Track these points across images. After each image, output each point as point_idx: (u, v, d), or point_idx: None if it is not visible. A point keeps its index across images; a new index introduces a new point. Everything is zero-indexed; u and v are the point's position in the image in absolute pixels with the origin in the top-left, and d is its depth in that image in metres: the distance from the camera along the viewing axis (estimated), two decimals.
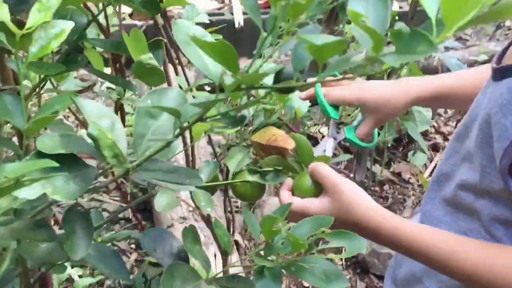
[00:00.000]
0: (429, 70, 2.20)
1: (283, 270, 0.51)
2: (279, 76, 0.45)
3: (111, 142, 0.44)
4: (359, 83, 0.78)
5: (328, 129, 0.80)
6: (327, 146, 0.78)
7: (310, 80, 0.75)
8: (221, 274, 0.54)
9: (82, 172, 0.42)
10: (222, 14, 3.21)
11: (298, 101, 0.83)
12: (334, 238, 0.53)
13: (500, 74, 0.59)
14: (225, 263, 0.87)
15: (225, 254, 0.86)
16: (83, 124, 1.06)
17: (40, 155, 0.40)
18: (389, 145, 2.06)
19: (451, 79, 0.79)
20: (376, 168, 2.15)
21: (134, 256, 1.64)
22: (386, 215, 0.63)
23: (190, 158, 0.73)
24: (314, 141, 2.13)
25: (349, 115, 1.40)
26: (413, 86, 0.77)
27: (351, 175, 1.90)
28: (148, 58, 0.54)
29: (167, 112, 0.46)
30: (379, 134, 0.84)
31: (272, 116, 0.78)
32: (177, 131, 0.46)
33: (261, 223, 0.52)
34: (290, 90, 0.42)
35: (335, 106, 0.78)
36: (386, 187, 2.11)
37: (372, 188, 2.08)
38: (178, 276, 0.47)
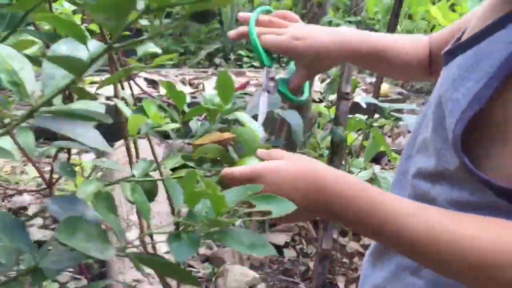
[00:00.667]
0: None
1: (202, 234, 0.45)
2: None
3: (11, 68, 0.41)
4: (295, 28, 0.73)
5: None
6: (260, 102, 0.70)
7: (243, 14, 0.73)
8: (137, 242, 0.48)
9: None
10: (195, 97, 3.39)
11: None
12: (260, 201, 0.48)
13: (450, 56, 0.59)
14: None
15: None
16: None
17: None
18: None
19: (388, 38, 0.78)
20: (344, 240, 2.08)
21: None
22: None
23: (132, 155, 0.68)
24: None
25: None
26: (351, 38, 0.74)
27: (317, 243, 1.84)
28: None
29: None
30: (310, 86, 0.79)
31: (217, 121, 0.75)
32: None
33: (184, 187, 0.47)
34: (210, 14, 0.40)
35: (269, 53, 0.72)
36: (355, 259, 2.03)
37: (341, 260, 2.00)
38: (80, 231, 0.41)
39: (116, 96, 0.87)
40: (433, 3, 4.39)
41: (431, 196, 0.59)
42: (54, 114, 0.43)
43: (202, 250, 1.96)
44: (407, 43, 0.78)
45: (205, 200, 0.48)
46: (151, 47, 0.87)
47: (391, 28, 2.16)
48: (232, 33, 0.75)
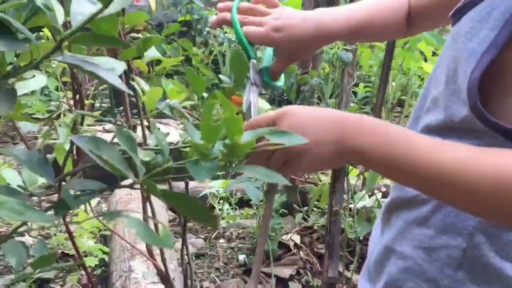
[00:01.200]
0: None
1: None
2: None
3: None
4: (275, 18, 0.74)
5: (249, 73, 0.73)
6: (252, 98, 0.71)
7: (223, 5, 0.75)
8: None
9: None
10: None
11: None
12: (274, 136, 0.50)
13: (458, 14, 0.62)
14: None
15: None
16: None
17: None
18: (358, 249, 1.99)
19: (368, 13, 0.79)
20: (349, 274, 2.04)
21: None
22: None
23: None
24: None
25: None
26: (330, 27, 0.75)
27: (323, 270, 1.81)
28: None
29: None
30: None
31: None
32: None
33: (201, 126, 0.50)
34: None
35: (251, 44, 0.73)
36: None
37: None
38: (104, 152, 0.43)
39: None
40: (425, 60, 4.55)
41: None
42: (80, 42, 0.46)
43: (206, 283, 1.93)
44: (389, 10, 0.80)
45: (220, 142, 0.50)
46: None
47: (383, 83, 2.23)
48: (213, 21, 0.77)
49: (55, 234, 2.12)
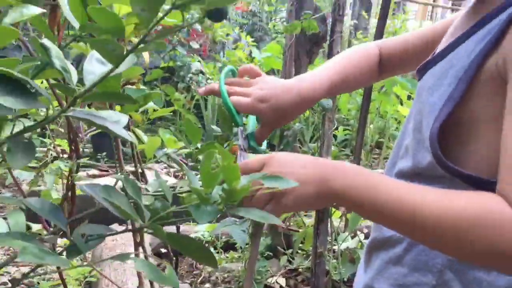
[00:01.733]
0: None
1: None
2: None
3: (61, 54, 0.50)
4: (259, 89, 0.78)
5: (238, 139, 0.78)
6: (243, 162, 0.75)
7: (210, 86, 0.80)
8: None
9: None
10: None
11: None
12: (268, 180, 0.55)
13: (423, 70, 0.70)
14: None
15: None
16: None
17: None
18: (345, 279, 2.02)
19: (345, 71, 0.85)
20: None
21: None
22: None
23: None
24: None
25: None
26: (306, 93, 0.79)
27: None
28: None
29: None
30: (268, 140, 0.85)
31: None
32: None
33: (200, 173, 0.54)
34: (223, 13, 0.50)
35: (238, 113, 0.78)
36: None
37: None
38: (113, 198, 0.47)
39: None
40: (401, 103, 4.71)
41: None
42: (92, 99, 0.51)
43: None
44: (363, 65, 0.88)
45: (219, 187, 0.55)
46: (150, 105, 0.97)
47: (362, 126, 2.32)
48: (201, 90, 0.82)
49: (38, 283, 2.10)
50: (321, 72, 0.84)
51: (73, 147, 1.14)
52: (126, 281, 1.84)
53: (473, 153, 0.61)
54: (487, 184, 0.57)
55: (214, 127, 0.85)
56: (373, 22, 7.22)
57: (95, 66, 0.54)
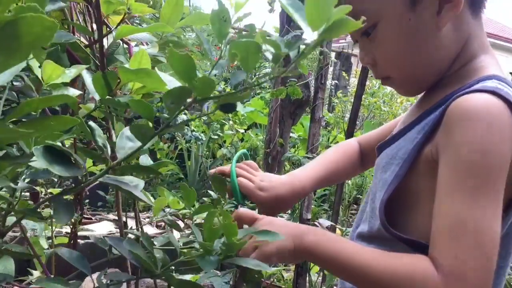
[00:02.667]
0: None
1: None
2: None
3: (101, 133, 0.63)
4: (261, 179, 0.90)
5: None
6: None
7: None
8: None
9: None
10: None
11: None
12: (260, 235, 0.68)
13: (380, 149, 0.85)
14: None
15: None
16: None
17: None
18: None
19: (331, 166, 1.00)
20: None
21: None
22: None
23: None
24: None
25: None
26: (298, 186, 0.92)
27: None
28: None
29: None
30: None
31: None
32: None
33: (204, 229, 0.66)
34: (233, 106, 0.64)
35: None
36: None
37: None
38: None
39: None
40: None
41: None
42: (124, 170, 0.64)
43: None
44: (345, 160, 1.04)
45: (219, 240, 0.67)
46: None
47: (340, 183, 2.47)
48: (212, 171, 0.93)
49: None
50: (310, 170, 0.98)
51: (77, 200, 1.25)
52: None
53: (415, 221, 0.75)
54: (426, 248, 0.70)
55: (212, 193, 0.97)
56: (353, 81, 7.56)
57: (125, 142, 0.67)
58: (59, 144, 0.62)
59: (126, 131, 0.67)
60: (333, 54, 7.99)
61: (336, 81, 6.85)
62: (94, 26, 0.96)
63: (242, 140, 5.06)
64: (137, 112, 0.62)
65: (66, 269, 0.77)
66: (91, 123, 0.63)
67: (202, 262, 0.62)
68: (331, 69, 9.04)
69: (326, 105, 7.16)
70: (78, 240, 2.15)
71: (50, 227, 1.95)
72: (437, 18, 0.74)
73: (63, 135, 0.66)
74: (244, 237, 0.68)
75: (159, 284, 2.10)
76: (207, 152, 5.47)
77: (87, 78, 0.76)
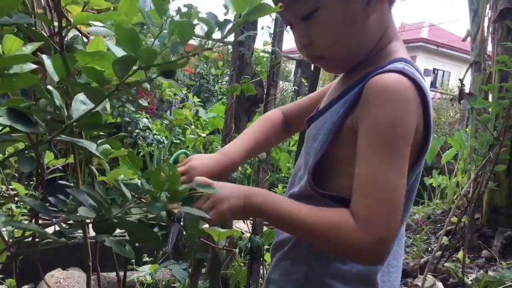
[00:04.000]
0: None
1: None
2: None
3: (59, 96, 0.73)
4: (192, 165, 0.97)
5: None
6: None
7: None
8: None
9: None
10: None
11: None
12: (201, 187, 0.79)
13: (310, 121, 0.98)
14: None
15: None
16: None
17: None
18: None
19: (255, 136, 1.11)
20: None
21: None
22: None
23: None
24: None
25: None
26: (229, 158, 1.02)
27: None
28: None
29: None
30: None
31: None
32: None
33: (152, 181, 0.77)
34: (173, 73, 0.75)
35: None
36: None
37: None
38: None
39: None
40: None
41: None
42: (79, 128, 0.74)
43: None
44: (270, 130, 1.15)
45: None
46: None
47: None
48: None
49: None
50: (239, 145, 1.08)
51: (39, 181, 1.33)
52: None
53: (337, 182, 0.89)
54: (346, 201, 0.84)
55: None
56: None
57: (80, 105, 0.77)
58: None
59: (81, 95, 0.78)
60: (294, 62, 8.21)
61: (297, 87, 7.04)
62: (56, 22, 1.06)
63: (205, 146, 5.15)
64: (90, 78, 0.72)
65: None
66: (49, 87, 0.73)
67: (150, 207, 0.72)
68: (292, 76, 9.25)
69: None
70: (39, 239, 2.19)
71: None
72: (368, 8, 0.88)
73: (24, 101, 0.76)
74: (200, 200, 0.79)
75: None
76: (169, 156, 5.52)
77: (47, 61, 0.86)
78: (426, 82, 0.87)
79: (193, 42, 0.80)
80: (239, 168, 2.74)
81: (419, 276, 3.18)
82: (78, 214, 0.69)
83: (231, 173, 1.08)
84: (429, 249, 4.08)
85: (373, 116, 0.81)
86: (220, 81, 7.27)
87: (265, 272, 2.19)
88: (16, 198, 2.18)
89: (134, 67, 0.73)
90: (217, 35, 0.77)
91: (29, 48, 0.80)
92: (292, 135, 1.19)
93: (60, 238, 0.71)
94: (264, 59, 6.54)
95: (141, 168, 1.05)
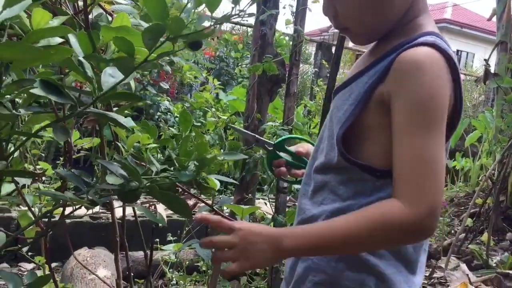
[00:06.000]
0: None
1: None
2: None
3: (90, 68, 0.73)
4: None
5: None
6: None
7: None
8: None
9: None
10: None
11: None
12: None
13: (335, 93, 0.97)
14: None
15: None
16: None
17: None
18: None
19: None
20: None
21: None
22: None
23: None
24: None
25: None
26: None
27: None
28: None
29: None
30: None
31: None
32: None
33: (179, 150, 0.77)
34: (200, 44, 0.75)
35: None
36: None
37: None
38: None
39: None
40: None
41: (325, 181, 0.93)
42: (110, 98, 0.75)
43: None
44: None
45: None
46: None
47: None
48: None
49: None
50: None
51: (67, 158, 1.35)
52: None
53: (369, 150, 0.88)
54: (376, 171, 0.84)
55: None
56: None
57: (108, 78, 0.78)
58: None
59: (109, 69, 0.78)
60: (315, 45, 8.14)
61: (317, 70, 6.98)
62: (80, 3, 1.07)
63: (226, 129, 5.16)
64: (120, 49, 0.73)
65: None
66: (80, 58, 0.73)
67: (179, 174, 0.73)
68: (312, 59, 9.18)
69: (308, 94, 7.32)
70: (66, 220, 2.22)
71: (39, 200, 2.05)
72: None
73: (54, 73, 0.77)
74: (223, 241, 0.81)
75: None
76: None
77: (72, 38, 0.87)
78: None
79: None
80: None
81: (442, 257, 3.16)
82: (107, 182, 0.71)
83: None
84: (452, 231, 4.05)
85: (409, 91, 0.81)
86: (240, 64, 7.25)
87: None
88: (43, 178, 2.23)
89: (162, 39, 0.73)
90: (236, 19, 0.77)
91: (56, 22, 0.81)
92: None
93: (93, 206, 0.72)
94: (284, 42, 6.50)
95: (157, 135, 1.07)
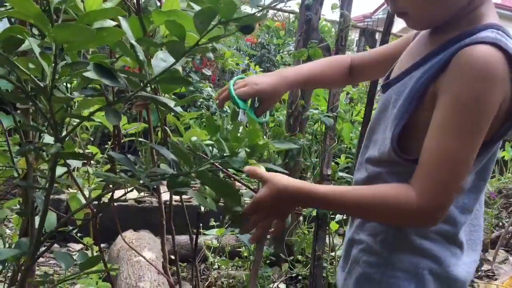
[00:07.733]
0: None
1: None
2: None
3: (142, 51, 0.73)
4: (251, 79, 1.02)
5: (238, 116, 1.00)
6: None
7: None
8: None
9: None
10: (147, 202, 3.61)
11: None
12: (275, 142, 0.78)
13: (387, 86, 0.94)
14: None
15: None
16: None
17: None
18: None
19: (315, 67, 1.13)
20: None
21: None
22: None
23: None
24: None
25: None
26: (289, 75, 1.07)
27: None
28: None
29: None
30: (270, 113, 1.10)
31: None
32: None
33: (230, 136, 0.77)
34: (251, 28, 0.74)
35: (242, 99, 1.00)
36: None
37: None
38: None
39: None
40: None
41: (379, 172, 0.93)
42: (160, 82, 0.75)
43: None
44: (333, 68, 1.15)
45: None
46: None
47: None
48: (218, 103, 1.06)
49: None
50: (296, 69, 1.12)
51: (116, 142, 1.37)
52: (143, 275, 2.05)
53: (421, 144, 0.85)
54: None
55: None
56: None
57: (160, 62, 0.78)
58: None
59: (160, 53, 0.78)
60: (358, 31, 7.98)
61: None
62: None
63: (270, 113, 5.14)
64: (172, 32, 0.73)
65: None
66: (132, 41, 0.74)
67: (231, 160, 0.73)
68: (354, 45, 9.02)
69: None
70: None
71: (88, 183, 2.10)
72: None
73: (106, 57, 0.78)
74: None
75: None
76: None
77: (123, 22, 0.87)
78: None
79: None
80: (309, 132, 2.71)
81: (490, 250, 3.07)
82: (160, 168, 0.71)
83: (283, 95, 1.09)
84: (500, 224, 3.92)
85: (457, 91, 0.80)
86: (281, 51, 7.20)
87: (331, 239, 2.19)
88: (91, 162, 2.29)
89: (213, 23, 0.72)
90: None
91: (109, 4, 0.82)
92: (357, 83, 1.19)
93: (144, 189, 0.73)
94: (326, 28, 6.39)
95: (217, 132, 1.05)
